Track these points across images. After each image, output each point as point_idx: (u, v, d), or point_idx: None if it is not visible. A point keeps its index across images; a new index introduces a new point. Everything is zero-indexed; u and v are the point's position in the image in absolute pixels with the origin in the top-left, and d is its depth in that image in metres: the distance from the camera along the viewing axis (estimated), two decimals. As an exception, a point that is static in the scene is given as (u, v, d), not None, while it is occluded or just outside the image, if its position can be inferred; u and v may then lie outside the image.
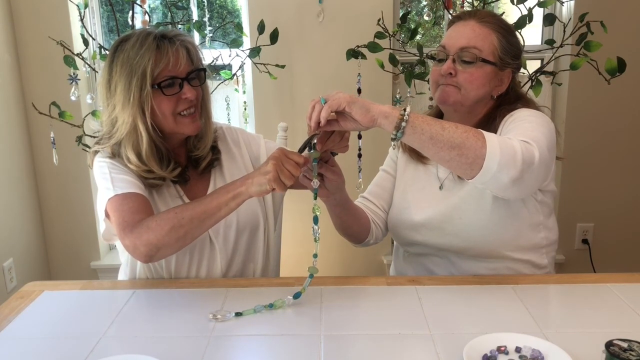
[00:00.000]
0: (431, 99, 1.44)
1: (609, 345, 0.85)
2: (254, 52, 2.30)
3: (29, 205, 2.64)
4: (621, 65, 2.00)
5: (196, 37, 2.39)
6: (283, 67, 2.38)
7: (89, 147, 1.81)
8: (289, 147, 1.45)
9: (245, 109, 2.58)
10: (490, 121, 1.32)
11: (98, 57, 2.29)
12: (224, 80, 2.39)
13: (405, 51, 2.31)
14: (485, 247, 1.32)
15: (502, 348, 0.96)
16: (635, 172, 2.68)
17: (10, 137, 2.50)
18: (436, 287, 1.24)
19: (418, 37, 2.48)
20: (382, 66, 2.25)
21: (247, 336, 1.05)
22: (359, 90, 2.30)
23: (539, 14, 2.36)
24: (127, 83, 1.23)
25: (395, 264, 1.54)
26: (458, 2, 2.43)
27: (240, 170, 1.41)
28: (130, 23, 2.23)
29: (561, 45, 2.14)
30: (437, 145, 1.07)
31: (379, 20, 2.26)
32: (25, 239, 2.62)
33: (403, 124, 1.06)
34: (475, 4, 2.24)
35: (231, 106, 2.59)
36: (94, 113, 2.27)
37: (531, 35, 2.57)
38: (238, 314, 1.11)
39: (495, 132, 1.23)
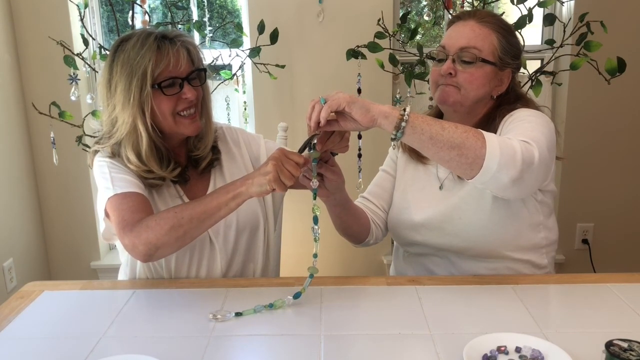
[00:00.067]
0: (431, 99, 1.45)
1: (609, 345, 0.85)
2: (254, 52, 2.30)
3: (29, 205, 2.64)
4: (621, 65, 2.00)
5: (196, 37, 2.39)
6: (283, 67, 2.38)
7: (89, 147, 1.81)
8: (289, 147, 1.45)
9: (245, 109, 2.58)
10: (490, 121, 1.32)
11: (98, 57, 2.29)
12: (224, 80, 2.39)
13: (405, 51, 2.31)
14: (485, 247, 1.32)
15: (502, 348, 0.96)
16: (635, 172, 2.68)
17: (10, 137, 2.50)
18: (436, 287, 1.24)
19: (418, 37, 2.48)
20: (382, 66, 2.25)
21: (247, 336, 1.05)
22: (359, 90, 2.30)
23: (539, 14, 2.36)
24: (127, 83, 1.23)
25: (395, 264, 1.54)
26: (458, 2, 2.43)
27: (240, 170, 1.41)
28: (130, 23, 2.23)
29: (561, 45, 2.14)
30: (437, 145, 1.07)
31: (379, 20, 2.26)
32: (25, 239, 2.62)
33: (403, 124, 1.06)
34: (475, 4, 2.24)
35: (231, 106, 2.59)
36: (94, 113, 2.27)
37: (531, 35, 2.57)
38: (238, 314, 1.11)
39: (495, 132, 1.23)
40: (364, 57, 2.24)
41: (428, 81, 1.39)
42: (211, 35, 2.41)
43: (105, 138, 1.31)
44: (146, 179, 1.30)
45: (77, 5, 2.28)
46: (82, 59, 2.28)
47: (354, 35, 2.34)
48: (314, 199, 1.18)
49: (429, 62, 1.44)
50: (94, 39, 2.45)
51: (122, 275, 1.42)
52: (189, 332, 1.06)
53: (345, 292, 1.22)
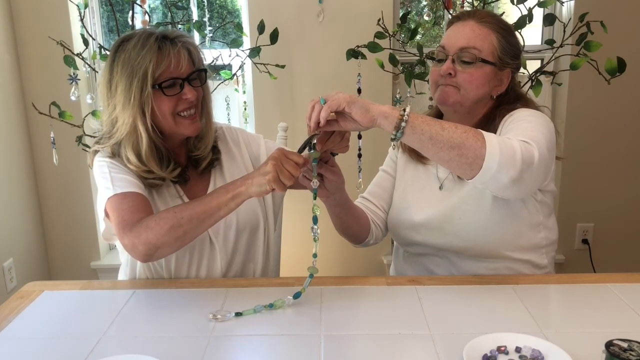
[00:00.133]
0: (431, 99, 1.45)
1: (609, 345, 0.85)
2: (254, 52, 2.30)
3: (29, 205, 2.64)
4: (621, 65, 2.00)
5: (196, 37, 2.39)
6: (283, 67, 2.38)
7: (89, 147, 1.81)
8: (289, 147, 1.45)
9: (245, 109, 2.58)
10: (489, 121, 1.32)
11: (98, 57, 2.29)
12: (224, 80, 2.39)
13: (405, 51, 2.31)
14: (485, 247, 1.32)
15: (502, 348, 0.96)
16: (635, 172, 2.68)
17: (10, 137, 2.50)
18: (436, 287, 1.24)
19: (418, 37, 2.48)
20: (382, 66, 2.25)
21: (247, 336, 1.05)
22: (359, 90, 2.30)
23: (539, 14, 2.36)
24: (127, 84, 1.23)
25: (395, 264, 1.54)
26: (458, 2, 2.43)
27: (240, 170, 1.41)
28: (130, 23, 2.23)
29: (561, 45, 2.14)
30: (437, 145, 1.07)
31: (379, 20, 2.26)
32: (25, 239, 2.62)
33: (403, 124, 1.06)
34: (475, 4, 2.24)
35: (231, 106, 2.59)
36: (94, 113, 2.27)
37: (531, 35, 2.57)
38: (238, 314, 1.11)
39: (494, 132, 1.23)
40: (364, 57, 2.24)
41: (428, 81, 1.39)
42: (211, 35, 2.41)
43: (105, 138, 1.31)
44: (146, 179, 1.30)
45: (77, 5, 2.28)
46: (82, 59, 2.28)
47: (354, 35, 2.34)
48: (314, 199, 1.18)
49: (429, 62, 1.43)
50: (94, 39, 2.45)
51: (122, 275, 1.42)
52: (189, 332, 1.06)
53: (345, 292, 1.22)
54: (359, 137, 2.25)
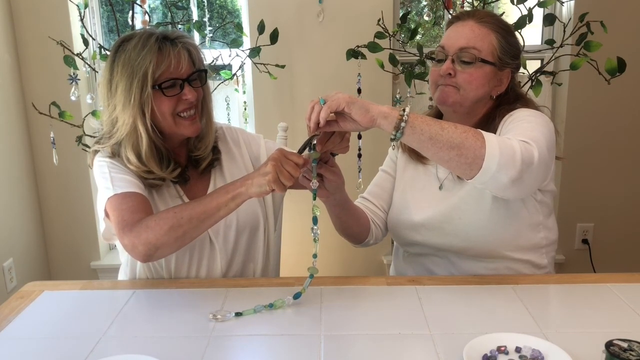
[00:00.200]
0: (431, 99, 1.45)
1: (609, 345, 0.85)
2: (254, 52, 2.30)
3: (29, 205, 2.64)
4: (621, 65, 2.00)
5: (196, 37, 2.39)
6: (283, 67, 2.38)
7: (89, 147, 1.81)
8: (289, 147, 1.45)
9: (245, 109, 2.58)
10: (489, 121, 1.32)
11: (98, 57, 2.29)
12: (224, 80, 2.39)
13: (405, 51, 2.31)
14: (485, 247, 1.32)
15: (502, 348, 0.96)
16: (635, 172, 2.68)
17: (10, 137, 2.50)
18: (436, 287, 1.24)
19: (418, 37, 2.48)
20: (382, 66, 2.25)
21: (247, 336, 1.05)
22: (359, 91, 2.30)
23: (539, 14, 2.36)
24: (128, 84, 1.23)
25: (395, 264, 1.54)
26: (458, 2, 2.43)
27: (240, 170, 1.41)
28: (130, 23, 2.23)
29: (561, 45, 2.14)
30: (437, 145, 1.07)
31: (379, 20, 2.26)
32: (25, 239, 2.62)
33: (402, 124, 1.06)
34: (475, 4, 2.24)
35: (231, 106, 2.59)
36: (94, 113, 2.27)
37: (531, 35, 2.57)
38: (238, 314, 1.11)
39: (494, 132, 1.23)
40: (364, 57, 2.24)
41: (428, 81, 1.39)
42: (211, 35, 2.41)
43: (105, 138, 1.31)
44: (146, 179, 1.30)
45: (77, 5, 2.28)
46: (82, 59, 2.28)
47: (354, 35, 2.34)
48: (314, 199, 1.18)
49: (429, 62, 1.43)
50: (94, 39, 2.45)
51: (122, 275, 1.42)
52: (189, 332, 1.06)
53: (345, 292, 1.22)
54: (359, 137, 2.25)
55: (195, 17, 2.50)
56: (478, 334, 0.99)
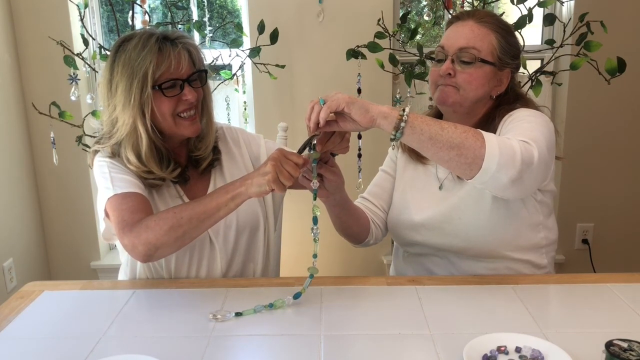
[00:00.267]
0: (431, 99, 1.45)
1: (609, 345, 0.85)
2: (254, 52, 2.30)
3: (29, 205, 2.64)
4: (621, 65, 2.00)
5: (196, 37, 2.39)
6: (283, 67, 2.38)
7: (89, 147, 1.81)
8: (289, 147, 1.45)
9: (245, 109, 2.58)
10: (489, 121, 1.32)
11: (98, 57, 2.29)
12: (224, 80, 2.39)
13: (405, 51, 2.31)
14: (484, 247, 1.32)
15: (502, 348, 0.96)
16: (635, 172, 2.68)
17: (10, 137, 2.50)
18: (436, 287, 1.24)
19: (418, 37, 2.48)
20: (382, 66, 2.25)
21: (247, 336, 1.05)
22: (359, 91, 2.30)
23: (539, 14, 2.36)
24: (128, 84, 1.23)
25: (395, 264, 1.54)
26: (458, 2, 2.43)
27: (241, 170, 1.41)
28: (130, 23, 2.23)
29: (561, 45, 2.14)
30: (436, 145, 1.07)
31: (379, 20, 2.26)
32: (25, 239, 2.62)
33: (402, 124, 1.06)
34: (475, 4, 2.24)
35: (231, 106, 2.59)
36: (94, 113, 2.27)
37: (531, 35, 2.57)
38: (238, 314, 1.11)
39: (494, 132, 1.23)
40: (364, 57, 2.24)
41: (428, 81, 1.39)
42: (211, 35, 2.41)
43: (105, 138, 1.31)
44: (146, 179, 1.30)
45: (77, 5, 2.28)
46: (82, 59, 2.28)
47: (354, 35, 2.34)
48: (314, 199, 1.18)
49: (429, 62, 1.43)
50: (94, 39, 2.45)
51: (122, 275, 1.42)
52: (189, 332, 1.06)
53: (345, 292, 1.22)
54: (359, 137, 2.25)
55: (195, 17, 2.50)
56: (478, 334, 0.99)
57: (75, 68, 2.23)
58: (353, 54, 2.25)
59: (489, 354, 0.94)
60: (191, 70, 1.27)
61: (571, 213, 2.71)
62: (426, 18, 2.60)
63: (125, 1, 2.38)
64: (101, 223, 1.35)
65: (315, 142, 1.13)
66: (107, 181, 1.26)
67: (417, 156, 1.43)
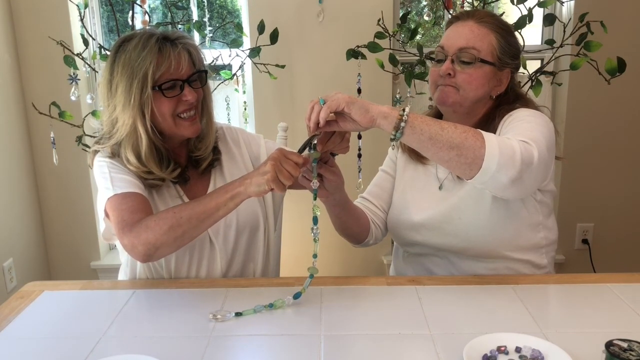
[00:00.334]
0: (431, 99, 1.45)
1: (609, 345, 0.85)
2: (254, 52, 2.30)
3: (29, 205, 2.64)
4: (621, 65, 2.00)
5: (196, 37, 2.39)
6: (283, 67, 2.38)
7: (89, 147, 1.81)
8: (289, 147, 1.45)
9: (245, 109, 2.58)
10: (489, 121, 1.32)
11: (98, 57, 2.29)
12: (224, 80, 2.39)
13: (405, 51, 2.31)
14: (484, 247, 1.32)
15: (502, 348, 0.96)
16: (635, 172, 2.68)
17: (10, 137, 2.50)
18: (436, 287, 1.24)
19: (418, 37, 2.48)
20: (382, 66, 2.25)
21: (247, 336, 1.05)
22: (359, 91, 2.30)
23: (539, 14, 2.36)
24: (128, 85, 1.23)
25: (395, 264, 1.54)
26: (458, 2, 2.43)
27: (240, 170, 1.41)
28: (130, 23, 2.23)
29: (561, 45, 2.14)
30: (436, 145, 1.07)
31: (379, 20, 2.26)
32: (25, 239, 2.62)
33: (402, 124, 1.06)
34: (475, 4, 2.24)
35: (231, 106, 2.59)
36: (94, 113, 2.27)
37: (531, 35, 2.57)
38: (238, 314, 1.11)
39: (494, 132, 1.23)
40: (364, 57, 2.24)
41: (428, 81, 1.39)
42: (211, 35, 2.41)
43: (105, 138, 1.31)
44: (146, 180, 1.30)
45: (77, 5, 2.28)
46: (82, 59, 2.28)
47: (354, 35, 2.34)
48: (314, 199, 1.18)
49: (429, 63, 1.43)
50: (94, 39, 2.45)
51: (122, 275, 1.42)
52: (189, 332, 1.06)
53: (345, 292, 1.22)
54: (359, 137, 2.25)
55: (195, 17, 2.50)
56: (478, 334, 0.99)
57: (75, 68, 2.23)
58: (353, 54, 2.25)
59: (489, 354, 0.94)
60: (191, 70, 1.27)
61: (571, 213, 2.71)
62: (426, 18, 2.60)
63: (125, 1, 2.38)
64: (101, 223, 1.36)
65: (315, 141, 1.13)
66: (107, 181, 1.26)
67: (417, 156, 1.43)
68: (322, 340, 1.02)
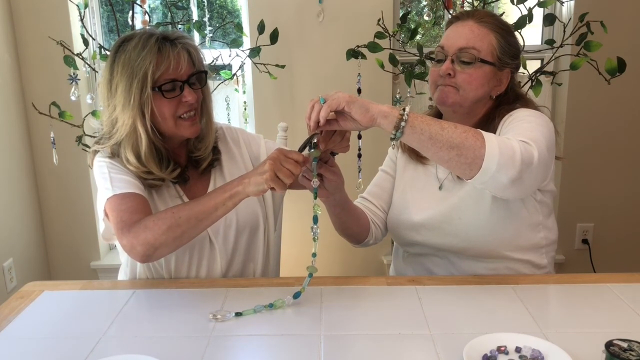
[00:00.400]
0: (431, 99, 1.45)
1: (609, 345, 0.85)
2: (254, 52, 2.30)
3: (29, 205, 2.64)
4: (621, 65, 2.00)
5: (196, 37, 2.39)
6: (283, 67, 2.38)
7: (89, 147, 1.81)
8: (289, 147, 1.44)
9: (245, 109, 2.58)
10: (489, 121, 1.32)
11: (98, 57, 2.29)
12: (224, 80, 2.39)
13: (405, 51, 2.31)
14: (484, 247, 1.32)
15: (502, 348, 0.96)
16: (635, 172, 2.68)
17: (10, 137, 2.50)
18: (436, 287, 1.24)
19: (418, 37, 2.48)
20: (382, 66, 2.25)
21: (247, 336, 1.05)
22: (359, 90, 2.30)
23: (539, 14, 2.36)
24: (127, 85, 1.23)
25: (395, 264, 1.54)
26: (458, 2, 2.43)
27: (240, 170, 1.41)
28: (130, 23, 2.23)
29: (561, 45, 2.14)
30: (436, 145, 1.07)
31: (379, 20, 2.26)
32: (25, 239, 2.62)
33: (402, 123, 1.06)
34: (475, 4, 2.24)
35: (231, 106, 2.59)
36: (94, 113, 2.27)
37: (531, 35, 2.57)
38: (238, 314, 1.11)
39: (494, 132, 1.23)
40: (364, 57, 2.24)
41: (428, 81, 1.39)
42: (211, 35, 2.41)
43: (105, 138, 1.31)
44: (146, 180, 1.30)
45: (77, 5, 2.28)
46: (82, 59, 2.28)
47: (354, 35, 2.34)
48: (315, 198, 1.18)
49: (429, 63, 1.43)
50: (94, 39, 2.45)
51: (122, 275, 1.42)
52: (189, 332, 1.06)
53: (345, 292, 1.22)
54: (359, 137, 2.25)
55: (195, 17, 2.50)
56: (478, 334, 0.99)
57: (75, 68, 2.23)
58: (353, 54, 2.25)
59: (489, 354, 0.94)
60: (191, 70, 1.27)
61: (571, 213, 2.71)
62: (426, 18, 2.60)
63: (125, 1, 2.38)
64: (101, 223, 1.36)
65: (315, 140, 1.13)
66: (107, 181, 1.26)
67: (417, 156, 1.43)
68: (322, 340, 1.02)
